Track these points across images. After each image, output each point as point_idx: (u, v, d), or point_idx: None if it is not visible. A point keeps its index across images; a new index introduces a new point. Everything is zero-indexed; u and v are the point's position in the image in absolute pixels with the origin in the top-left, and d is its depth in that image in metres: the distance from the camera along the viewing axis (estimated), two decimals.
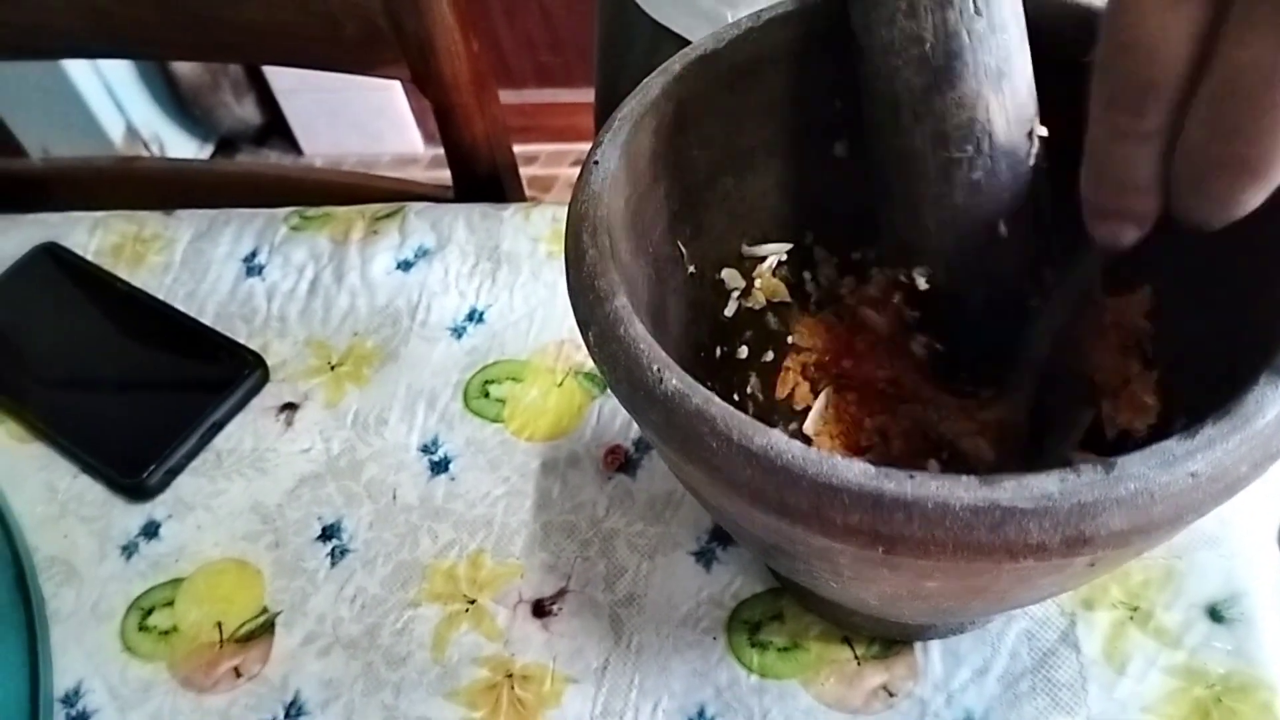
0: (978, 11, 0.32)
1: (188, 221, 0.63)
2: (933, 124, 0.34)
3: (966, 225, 0.35)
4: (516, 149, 0.74)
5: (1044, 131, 0.34)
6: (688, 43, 0.57)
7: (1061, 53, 0.36)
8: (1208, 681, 0.40)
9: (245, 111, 1.89)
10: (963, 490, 0.25)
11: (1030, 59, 0.34)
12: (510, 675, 0.44)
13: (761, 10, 0.37)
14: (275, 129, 1.94)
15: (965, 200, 0.35)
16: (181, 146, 1.91)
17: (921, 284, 0.37)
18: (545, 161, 1.84)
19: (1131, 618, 0.42)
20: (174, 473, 0.52)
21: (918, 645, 0.43)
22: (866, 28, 0.34)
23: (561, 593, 0.46)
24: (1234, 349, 0.32)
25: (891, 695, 0.42)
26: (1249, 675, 0.40)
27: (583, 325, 0.31)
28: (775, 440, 0.26)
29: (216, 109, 1.87)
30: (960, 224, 0.36)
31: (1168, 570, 0.43)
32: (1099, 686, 0.41)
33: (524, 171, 0.74)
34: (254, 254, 0.61)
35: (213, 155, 1.96)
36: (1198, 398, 0.33)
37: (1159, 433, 0.36)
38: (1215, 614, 0.42)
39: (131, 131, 1.80)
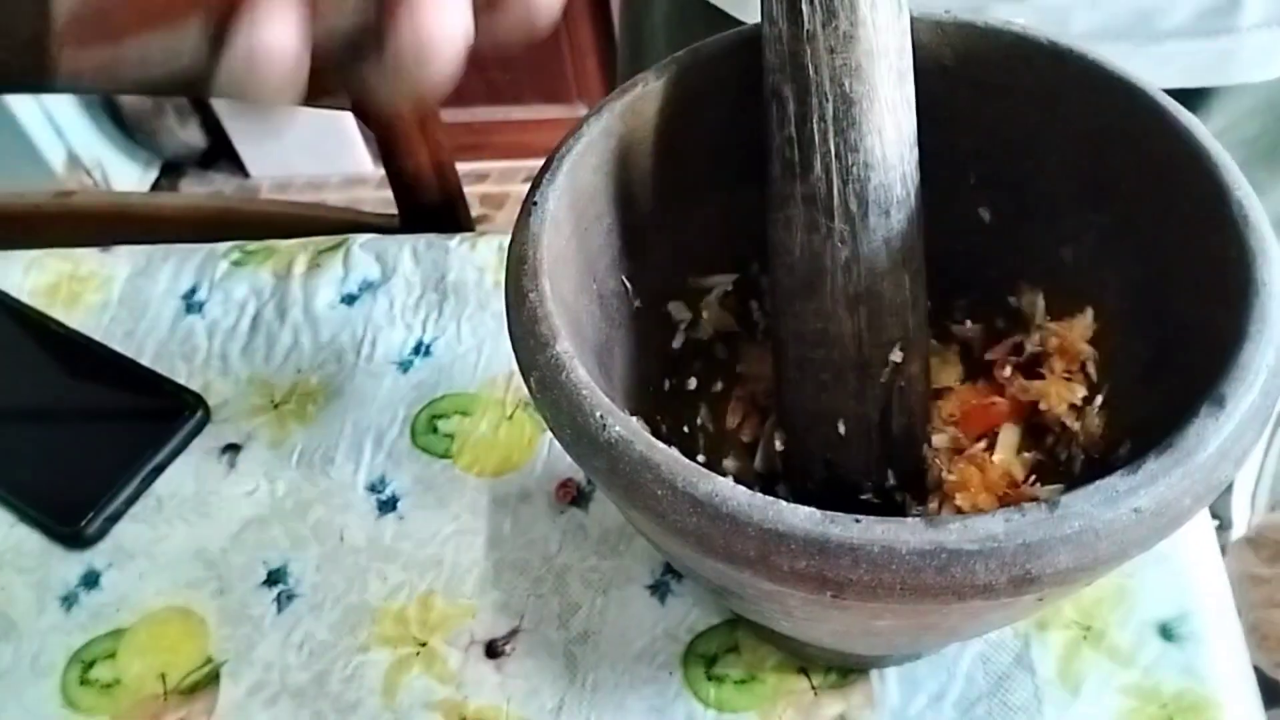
0: (842, 241, 0.34)
1: (125, 258, 0.62)
2: (793, 321, 0.37)
3: (811, 414, 0.38)
4: (467, 167, 0.73)
5: (899, 358, 0.36)
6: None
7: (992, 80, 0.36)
8: (1160, 701, 0.41)
9: (190, 135, 1.87)
10: (909, 533, 0.25)
11: (914, 280, 0.36)
12: (463, 719, 0.43)
13: (699, 45, 0.37)
14: (221, 151, 1.91)
15: (812, 392, 0.37)
16: (125, 172, 1.87)
17: (778, 445, 0.40)
18: (497, 179, 1.83)
19: (1085, 637, 0.43)
20: (113, 519, 0.51)
21: (874, 673, 0.43)
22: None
23: (514, 632, 0.46)
24: (1176, 372, 0.33)
25: None
26: (1199, 694, 0.41)
27: (525, 371, 0.30)
28: (720, 487, 0.26)
29: (160, 133, 1.84)
30: (806, 410, 0.38)
31: (1120, 589, 0.43)
32: (1054, 708, 0.41)
33: (475, 189, 0.74)
34: (194, 290, 0.60)
35: (157, 180, 1.93)
36: (1143, 420, 0.34)
37: (1105, 456, 0.36)
38: (1166, 632, 0.42)
39: (73, 158, 1.76)
